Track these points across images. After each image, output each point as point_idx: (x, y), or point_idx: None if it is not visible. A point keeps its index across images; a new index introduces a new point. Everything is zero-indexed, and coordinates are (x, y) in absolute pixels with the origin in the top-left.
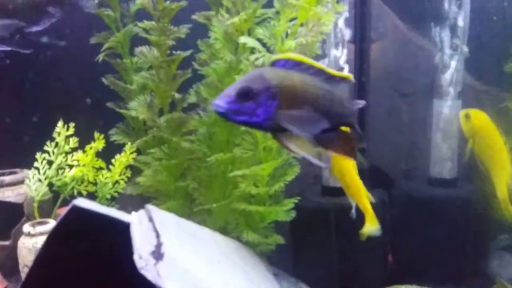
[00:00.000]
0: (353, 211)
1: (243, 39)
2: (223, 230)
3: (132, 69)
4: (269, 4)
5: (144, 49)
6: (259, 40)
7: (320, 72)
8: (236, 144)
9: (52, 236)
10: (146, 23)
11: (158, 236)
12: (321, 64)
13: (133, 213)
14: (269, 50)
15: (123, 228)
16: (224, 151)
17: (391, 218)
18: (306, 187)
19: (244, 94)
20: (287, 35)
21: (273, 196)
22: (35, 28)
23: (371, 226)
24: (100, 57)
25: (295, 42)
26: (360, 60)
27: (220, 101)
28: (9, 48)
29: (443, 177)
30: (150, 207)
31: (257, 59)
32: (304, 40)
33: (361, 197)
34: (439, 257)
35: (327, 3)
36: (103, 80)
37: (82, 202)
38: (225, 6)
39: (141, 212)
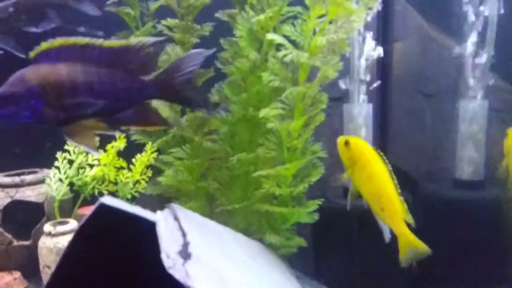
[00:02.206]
0: (388, 235)
1: (270, 36)
2: (245, 232)
3: None
4: (292, 3)
5: (167, 47)
6: (285, 37)
7: (100, 51)
8: (259, 143)
9: (79, 234)
10: (170, 21)
11: (184, 235)
12: (99, 40)
13: (158, 212)
14: (296, 46)
15: (148, 227)
16: (247, 151)
17: (414, 221)
18: (328, 188)
19: (3, 100)
20: (314, 33)
21: (296, 198)
22: (33, 29)
23: (417, 249)
24: None
25: (325, 38)
26: (382, 60)
27: None
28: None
29: (469, 179)
30: (174, 205)
31: (285, 55)
32: (335, 36)
33: (398, 221)
34: (464, 262)
35: None
36: None
37: (109, 200)
38: (249, 3)
39: (166, 210)
